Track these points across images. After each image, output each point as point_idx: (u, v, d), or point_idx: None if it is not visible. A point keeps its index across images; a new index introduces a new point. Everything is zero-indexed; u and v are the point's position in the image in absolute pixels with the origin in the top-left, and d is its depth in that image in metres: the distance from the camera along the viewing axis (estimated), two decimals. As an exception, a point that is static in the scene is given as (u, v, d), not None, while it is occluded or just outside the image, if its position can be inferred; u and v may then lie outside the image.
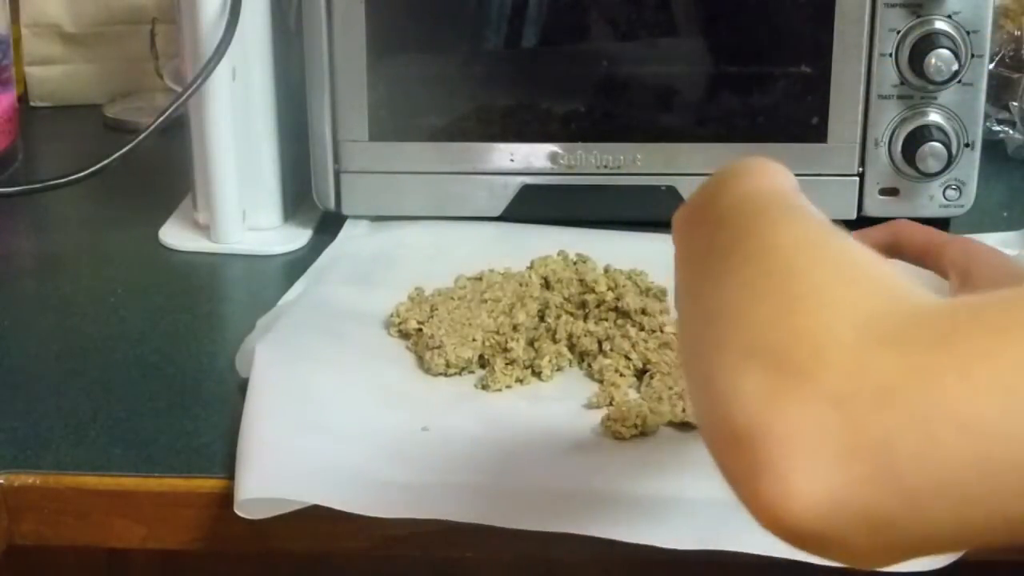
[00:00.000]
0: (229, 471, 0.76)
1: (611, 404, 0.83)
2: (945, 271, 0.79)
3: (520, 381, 0.86)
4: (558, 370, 0.88)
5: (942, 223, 1.04)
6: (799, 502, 0.42)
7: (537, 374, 0.87)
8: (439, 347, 0.87)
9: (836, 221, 0.92)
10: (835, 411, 0.42)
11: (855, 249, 0.50)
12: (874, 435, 0.41)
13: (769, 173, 0.61)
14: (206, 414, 0.83)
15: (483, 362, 0.87)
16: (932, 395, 0.41)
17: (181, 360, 0.90)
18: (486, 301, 0.92)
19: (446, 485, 0.75)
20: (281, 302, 0.95)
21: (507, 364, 0.86)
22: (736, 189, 0.58)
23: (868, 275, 0.48)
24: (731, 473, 0.45)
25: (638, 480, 0.76)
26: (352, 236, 1.05)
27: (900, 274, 0.48)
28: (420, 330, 0.89)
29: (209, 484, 0.77)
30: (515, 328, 0.89)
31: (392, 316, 0.92)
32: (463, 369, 0.87)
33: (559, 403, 0.84)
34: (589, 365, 0.88)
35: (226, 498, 0.75)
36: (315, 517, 0.73)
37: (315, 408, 0.81)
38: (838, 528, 0.42)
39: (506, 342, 0.87)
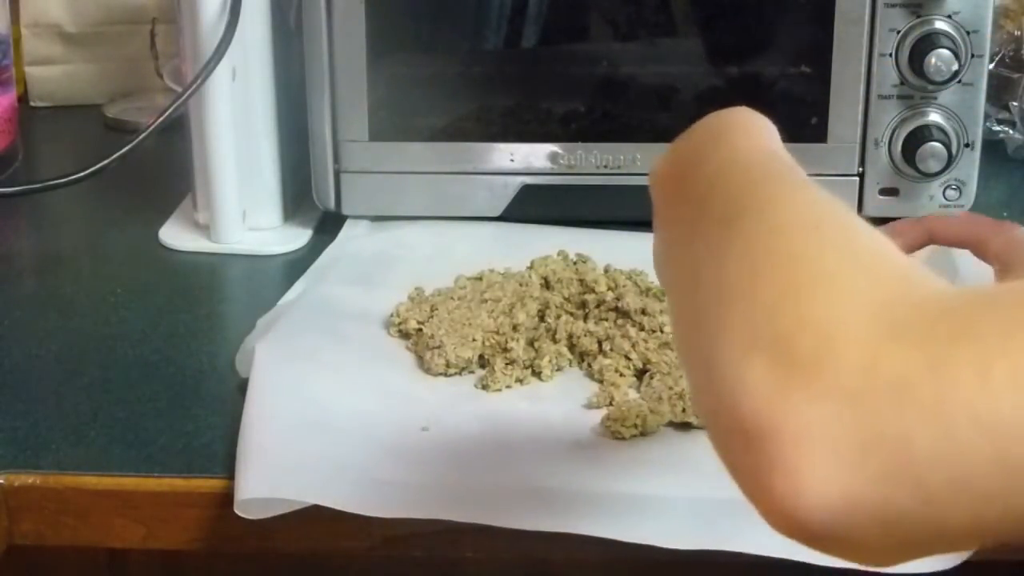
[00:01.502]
0: (229, 471, 0.76)
1: (611, 404, 0.83)
2: (989, 262, 0.76)
3: (520, 381, 0.86)
4: (558, 370, 0.88)
5: (942, 223, 1.05)
6: (812, 500, 0.41)
7: (537, 374, 0.87)
8: (439, 347, 0.87)
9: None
10: (848, 407, 0.41)
11: (862, 229, 0.48)
12: (889, 431, 0.40)
13: (756, 130, 0.58)
14: (206, 414, 0.83)
15: (483, 362, 0.87)
16: (949, 390, 0.40)
17: (181, 360, 0.90)
18: (486, 301, 0.92)
19: (446, 485, 0.75)
20: (281, 302, 0.95)
21: (507, 364, 0.86)
22: (725, 148, 0.56)
23: (878, 260, 0.46)
24: (737, 468, 0.43)
25: (638, 480, 0.76)
26: (352, 236, 1.05)
27: (911, 260, 0.46)
28: (420, 330, 0.89)
29: (209, 484, 0.77)
30: (515, 328, 0.89)
31: (392, 316, 0.92)
32: (463, 369, 0.87)
33: (559, 403, 0.84)
34: (589, 365, 0.88)
35: (226, 498, 0.75)
36: (315, 517, 0.73)
37: (315, 408, 0.81)
38: (851, 526, 0.41)
39: (506, 342, 0.87)
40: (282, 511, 0.73)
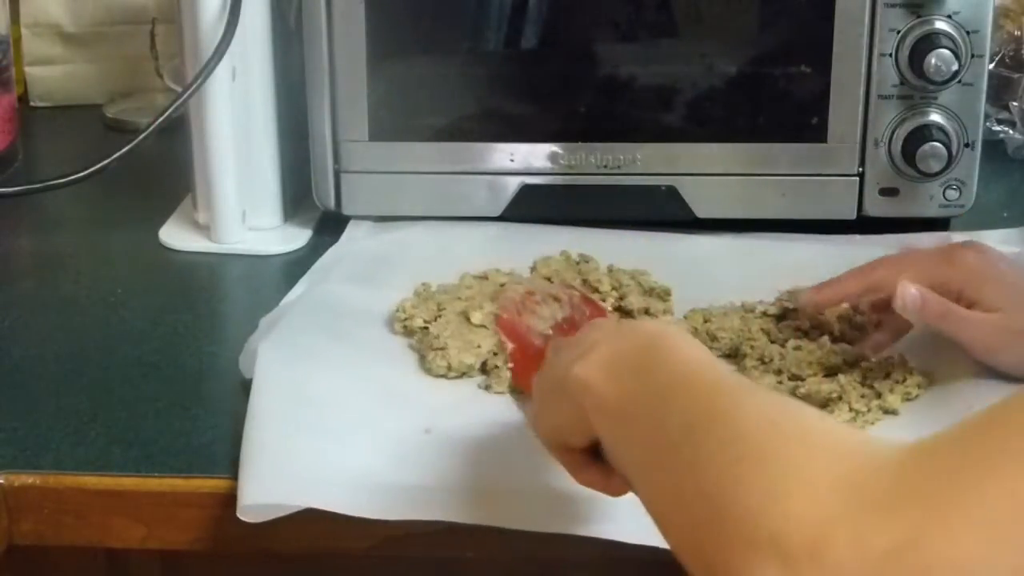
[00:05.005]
0: (229, 471, 0.76)
1: (611, 404, 0.83)
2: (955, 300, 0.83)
3: (521, 381, 0.86)
4: (558, 370, 0.87)
5: (942, 223, 1.04)
6: None
7: (538, 374, 0.87)
8: (443, 348, 0.86)
9: (836, 221, 0.91)
10: None
11: (811, 414, 0.54)
12: None
13: (692, 341, 0.63)
14: (206, 414, 0.83)
15: (484, 367, 0.87)
16: (925, 549, 0.44)
17: (181, 360, 0.90)
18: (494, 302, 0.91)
19: (448, 487, 0.75)
20: (283, 302, 0.95)
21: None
22: (670, 358, 0.60)
23: (833, 439, 0.51)
24: None
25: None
26: (355, 237, 1.05)
27: (856, 429, 0.49)
28: (426, 328, 0.89)
29: (209, 484, 0.77)
30: (515, 328, 0.88)
31: (397, 311, 0.91)
32: (464, 373, 0.87)
33: (559, 403, 0.84)
34: (589, 365, 0.87)
35: (226, 498, 0.75)
36: (316, 518, 0.73)
37: (318, 410, 0.81)
38: None
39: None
40: (284, 513, 0.73)
